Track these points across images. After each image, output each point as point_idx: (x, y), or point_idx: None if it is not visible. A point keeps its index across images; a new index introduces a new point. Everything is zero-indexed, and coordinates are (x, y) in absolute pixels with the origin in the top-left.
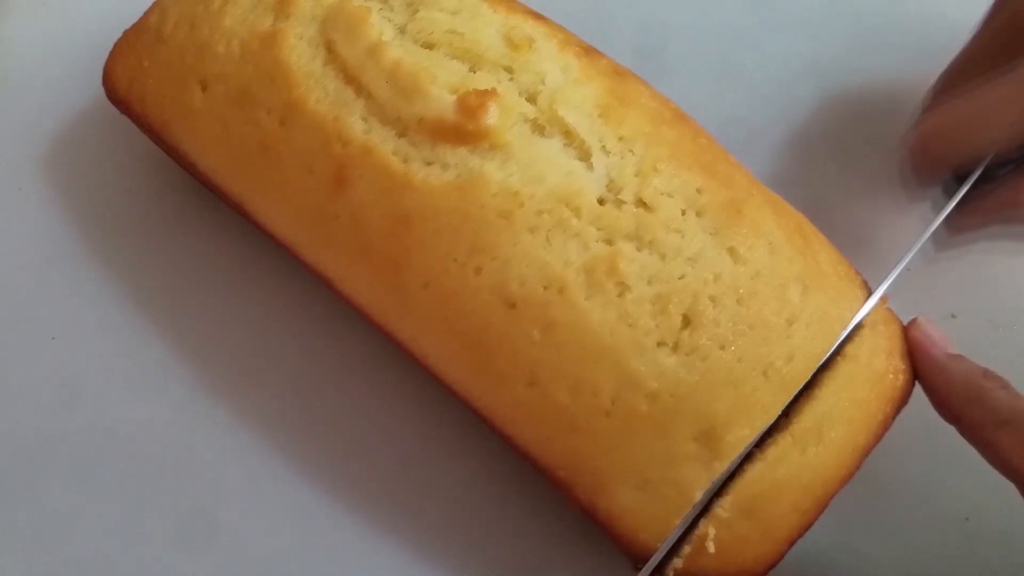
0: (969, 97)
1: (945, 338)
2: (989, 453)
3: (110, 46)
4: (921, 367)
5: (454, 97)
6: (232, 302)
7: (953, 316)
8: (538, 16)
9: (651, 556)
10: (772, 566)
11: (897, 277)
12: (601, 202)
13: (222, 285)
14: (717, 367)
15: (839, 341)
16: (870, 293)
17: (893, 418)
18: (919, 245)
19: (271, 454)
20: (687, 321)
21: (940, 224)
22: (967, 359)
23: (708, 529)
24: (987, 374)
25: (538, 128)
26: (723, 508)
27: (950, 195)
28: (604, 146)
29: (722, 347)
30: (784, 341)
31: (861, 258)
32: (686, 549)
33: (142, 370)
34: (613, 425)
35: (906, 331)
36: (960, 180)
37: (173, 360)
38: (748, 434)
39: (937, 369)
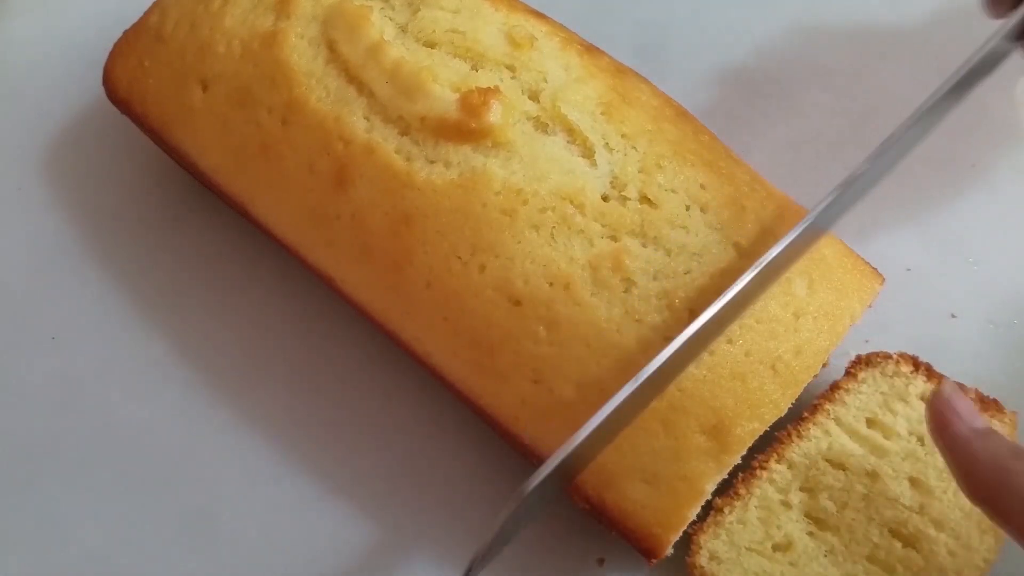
0: None
1: (971, 409)
2: (1022, 538)
3: (110, 46)
4: (945, 442)
5: (456, 95)
6: (232, 302)
7: (953, 316)
8: (539, 15)
9: (664, 549)
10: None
11: (897, 275)
12: (605, 199)
13: (222, 285)
14: (725, 361)
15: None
16: (883, 282)
17: None
18: (985, 50)
19: (271, 454)
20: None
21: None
22: (996, 435)
23: None
24: (1017, 453)
25: (541, 126)
26: None
27: None
28: (607, 143)
29: (729, 341)
30: (792, 335)
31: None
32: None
33: (142, 370)
34: None
35: (930, 401)
36: None
37: (173, 360)
38: (757, 428)
39: (963, 446)
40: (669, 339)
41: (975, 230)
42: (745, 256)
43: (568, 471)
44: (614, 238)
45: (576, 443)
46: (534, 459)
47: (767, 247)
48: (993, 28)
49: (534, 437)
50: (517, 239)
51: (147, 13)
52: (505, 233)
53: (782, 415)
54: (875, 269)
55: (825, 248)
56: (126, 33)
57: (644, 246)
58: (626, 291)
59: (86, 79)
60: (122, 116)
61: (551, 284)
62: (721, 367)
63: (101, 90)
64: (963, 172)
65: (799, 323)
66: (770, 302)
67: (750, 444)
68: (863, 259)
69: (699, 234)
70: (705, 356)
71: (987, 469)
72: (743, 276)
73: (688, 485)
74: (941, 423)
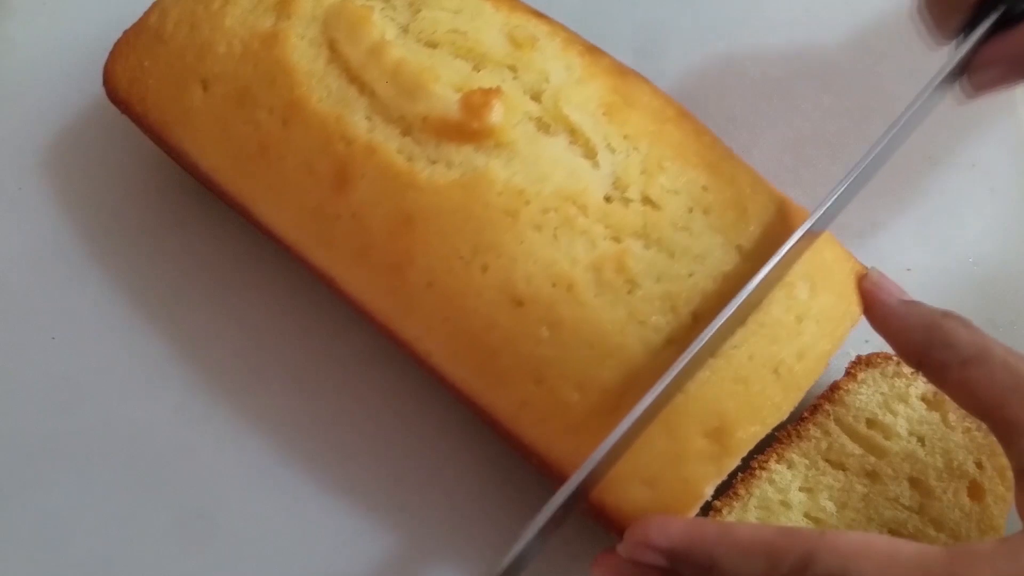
0: None
1: (898, 286)
2: (958, 393)
3: (110, 46)
4: (877, 315)
5: (458, 95)
6: (232, 302)
7: None
8: (540, 15)
9: None
10: None
11: (897, 275)
12: (608, 200)
13: (222, 285)
14: (727, 365)
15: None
16: None
17: None
18: (928, 92)
19: (271, 454)
20: (696, 319)
21: (960, 79)
22: (923, 303)
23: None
24: (946, 314)
25: (543, 126)
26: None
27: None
28: (609, 144)
29: (733, 346)
30: (794, 339)
31: (862, 259)
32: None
33: (142, 370)
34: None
35: (858, 284)
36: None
37: (173, 360)
38: (759, 431)
39: (893, 315)
40: (672, 342)
41: (975, 230)
42: (747, 259)
43: (583, 491)
44: (617, 239)
45: (587, 471)
46: (534, 460)
47: (769, 250)
48: None
49: (535, 438)
50: (519, 240)
51: (147, 13)
52: (507, 234)
53: (784, 419)
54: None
55: (825, 251)
56: (126, 33)
57: (647, 248)
58: (629, 293)
59: (86, 79)
60: (122, 116)
61: (554, 285)
62: (724, 371)
63: (101, 90)
64: (963, 172)
65: (801, 327)
66: (773, 306)
67: (751, 447)
68: (860, 263)
69: (702, 236)
70: (708, 360)
71: (919, 329)
72: (751, 281)
73: (688, 487)
74: (871, 301)
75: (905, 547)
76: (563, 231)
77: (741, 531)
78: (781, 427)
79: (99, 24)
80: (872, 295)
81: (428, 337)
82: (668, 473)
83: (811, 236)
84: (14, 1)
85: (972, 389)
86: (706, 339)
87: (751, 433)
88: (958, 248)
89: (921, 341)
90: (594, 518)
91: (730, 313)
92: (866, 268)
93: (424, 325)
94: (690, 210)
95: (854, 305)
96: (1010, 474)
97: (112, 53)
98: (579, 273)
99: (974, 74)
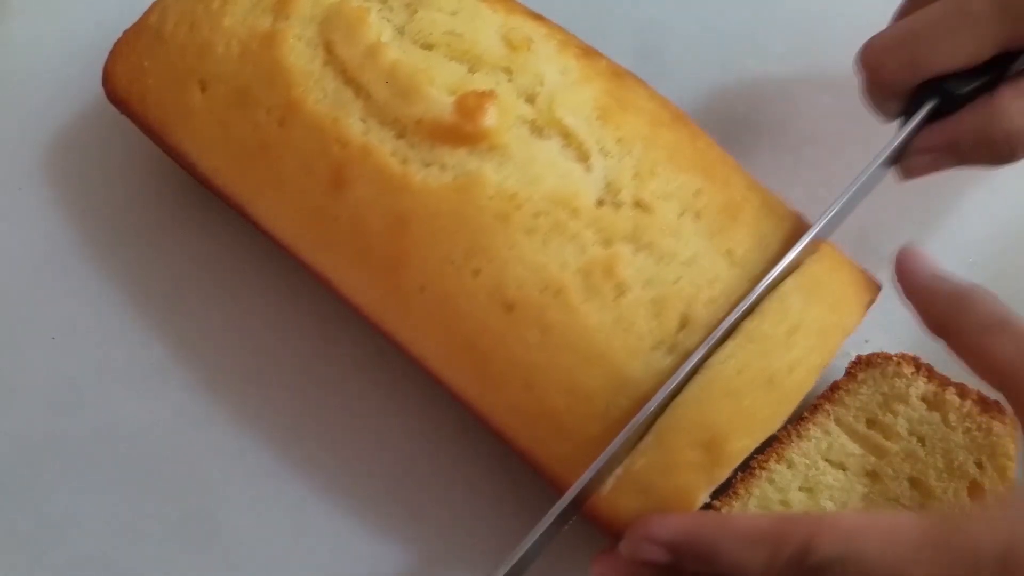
0: (916, 15)
1: (932, 259)
2: (975, 361)
3: (110, 46)
4: (907, 285)
5: (452, 98)
6: (232, 302)
7: None
8: (537, 16)
9: None
10: None
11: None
12: (599, 204)
13: (222, 285)
14: (718, 379)
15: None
16: (879, 291)
17: None
18: (864, 177)
19: (271, 454)
20: (683, 324)
21: (894, 163)
22: (954, 276)
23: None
24: (974, 286)
25: (536, 130)
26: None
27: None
28: (602, 148)
29: (722, 361)
30: (785, 352)
31: (862, 260)
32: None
33: (142, 370)
34: (609, 430)
35: (895, 257)
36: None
37: (173, 360)
38: (749, 444)
39: (923, 285)
40: (658, 347)
41: (975, 230)
42: (736, 265)
43: (580, 499)
44: (607, 244)
45: (584, 482)
46: (531, 464)
47: (760, 256)
48: None
49: (527, 443)
50: (510, 244)
51: (147, 13)
52: (499, 238)
53: (775, 432)
54: (872, 277)
55: (821, 260)
56: (126, 33)
57: (636, 252)
58: (617, 298)
59: (86, 79)
60: (122, 116)
61: (543, 290)
62: (714, 384)
63: (101, 90)
64: (963, 172)
65: (793, 339)
66: (763, 319)
67: (742, 459)
68: (859, 268)
69: (691, 242)
70: (697, 372)
71: (945, 300)
72: (745, 298)
73: (680, 496)
74: (902, 272)
75: (904, 522)
76: (554, 235)
77: (741, 521)
78: (781, 427)
79: (99, 24)
80: (903, 266)
81: (422, 341)
82: (661, 482)
83: (805, 251)
84: (14, 1)
85: (989, 357)
86: (701, 354)
87: (742, 446)
88: (958, 248)
89: (945, 308)
90: (592, 522)
91: (726, 327)
92: (864, 270)
93: (418, 328)
94: (681, 215)
95: (847, 316)
96: (1011, 473)
97: (112, 53)
98: (568, 277)
99: (907, 159)
